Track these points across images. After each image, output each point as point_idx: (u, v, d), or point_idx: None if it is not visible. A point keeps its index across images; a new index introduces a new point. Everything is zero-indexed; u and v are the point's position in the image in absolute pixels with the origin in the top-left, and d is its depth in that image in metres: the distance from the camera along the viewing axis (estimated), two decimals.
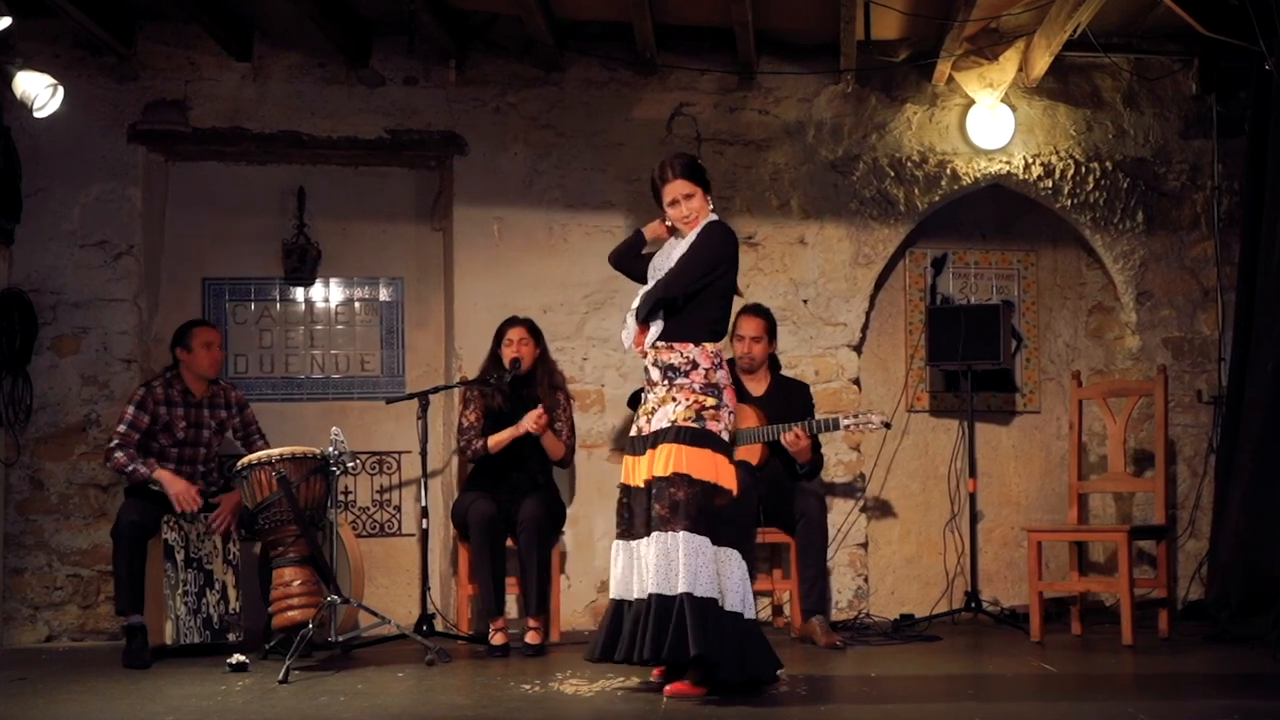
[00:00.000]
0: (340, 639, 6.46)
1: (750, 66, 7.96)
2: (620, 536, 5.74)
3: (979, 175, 8.13)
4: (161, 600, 6.76)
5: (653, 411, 5.68)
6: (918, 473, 8.26)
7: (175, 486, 6.81)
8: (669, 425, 5.57)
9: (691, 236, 5.75)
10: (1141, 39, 8.11)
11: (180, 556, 6.83)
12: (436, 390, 7.48)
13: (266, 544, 6.72)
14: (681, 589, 5.39)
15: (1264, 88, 7.16)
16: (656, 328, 5.68)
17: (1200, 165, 8.20)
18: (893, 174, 8.10)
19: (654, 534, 5.48)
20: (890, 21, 7.72)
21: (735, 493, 5.62)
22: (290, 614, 6.41)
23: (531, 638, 6.87)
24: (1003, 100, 8.02)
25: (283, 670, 5.99)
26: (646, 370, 5.76)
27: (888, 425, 7.28)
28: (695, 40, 7.99)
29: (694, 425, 5.55)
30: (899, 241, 8.15)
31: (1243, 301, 7.40)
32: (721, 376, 5.67)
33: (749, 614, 5.56)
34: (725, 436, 5.63)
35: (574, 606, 7.81)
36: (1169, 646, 6.93)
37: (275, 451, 6.59)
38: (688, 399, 5.60)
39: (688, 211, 5.77)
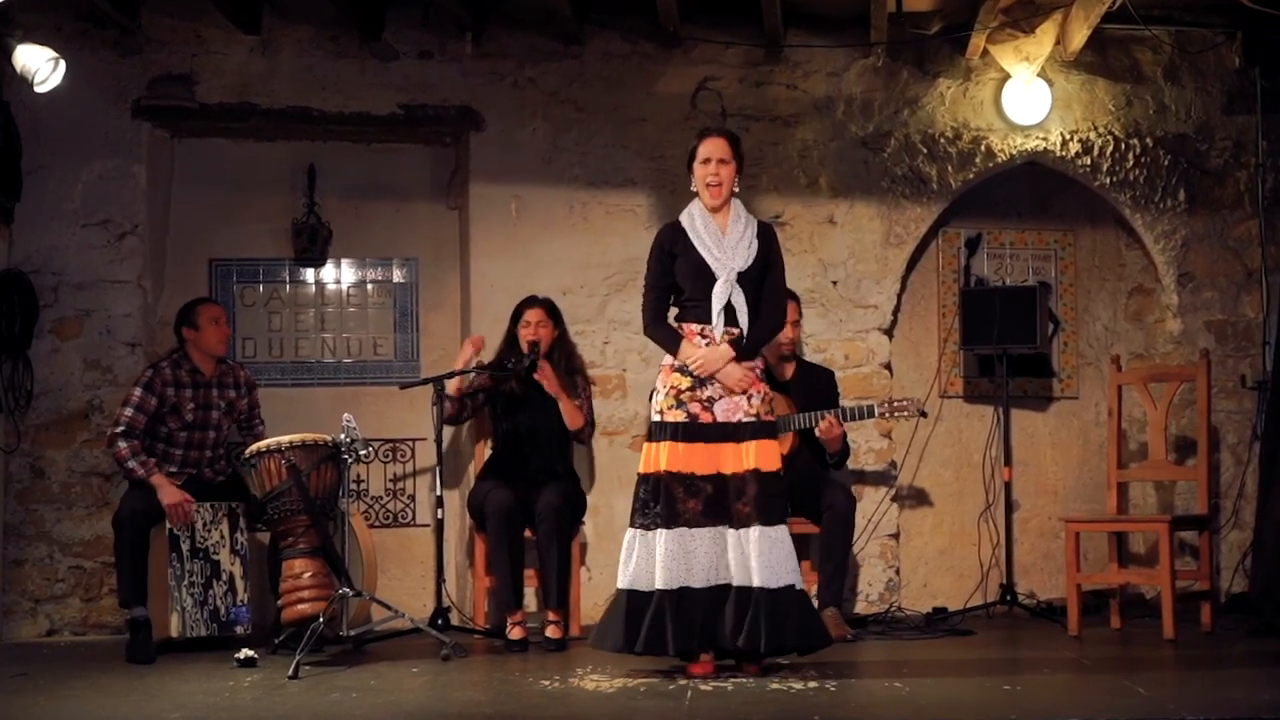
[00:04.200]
0: (352, 633, 6.40)
1: (777, 39, 7.84)
2: (661, 525, 5.69)
3: (1014, 152, 8.03)
4: (166, 592, 6.68)
5: (713, 399, 5.75)
6: (951, 461, 8.17)
7: (170, 498, 6.72)
8: (753, 419, 5.74)
9: (744, 223, 5.87)
10: (1183, 10, 8.00)
11: (186, 547, 6.75)
12: (452, 375, 7.33)
13: (276, 534, 6.62)
14: (787, 581, 5.68)
15: None
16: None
17: (1244, 141, 8.07)
18: (925, 151, 8.00)
19: (760, 528, 5.66)
20: None
21: None
22: (300, 607, 6.31)
23: (552, 632, 6.76)
24: (1039, 74, 7.89)
25: (293, 665, 5.90)
26: None
27: (924, 414, 7.20)
28: (720, 12, 7.89)
29: (770, 419, 5.82)
30: (931, 221, 8.05)
31: None
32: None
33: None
34: None
35: (595, 599, 7.66)
36: (1211, 640, 6.85)
37: (285, 439, 6.50)
38: (758, 390, 5.79)
39: (718, 176, 5.83)
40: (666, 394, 5.76)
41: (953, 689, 5.53)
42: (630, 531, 5.77)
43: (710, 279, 5.77)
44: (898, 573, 7.93)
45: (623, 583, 5.74)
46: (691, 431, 5.71)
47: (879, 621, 7.42)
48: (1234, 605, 7.61)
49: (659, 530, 5.67)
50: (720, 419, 5.71)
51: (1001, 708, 5.03)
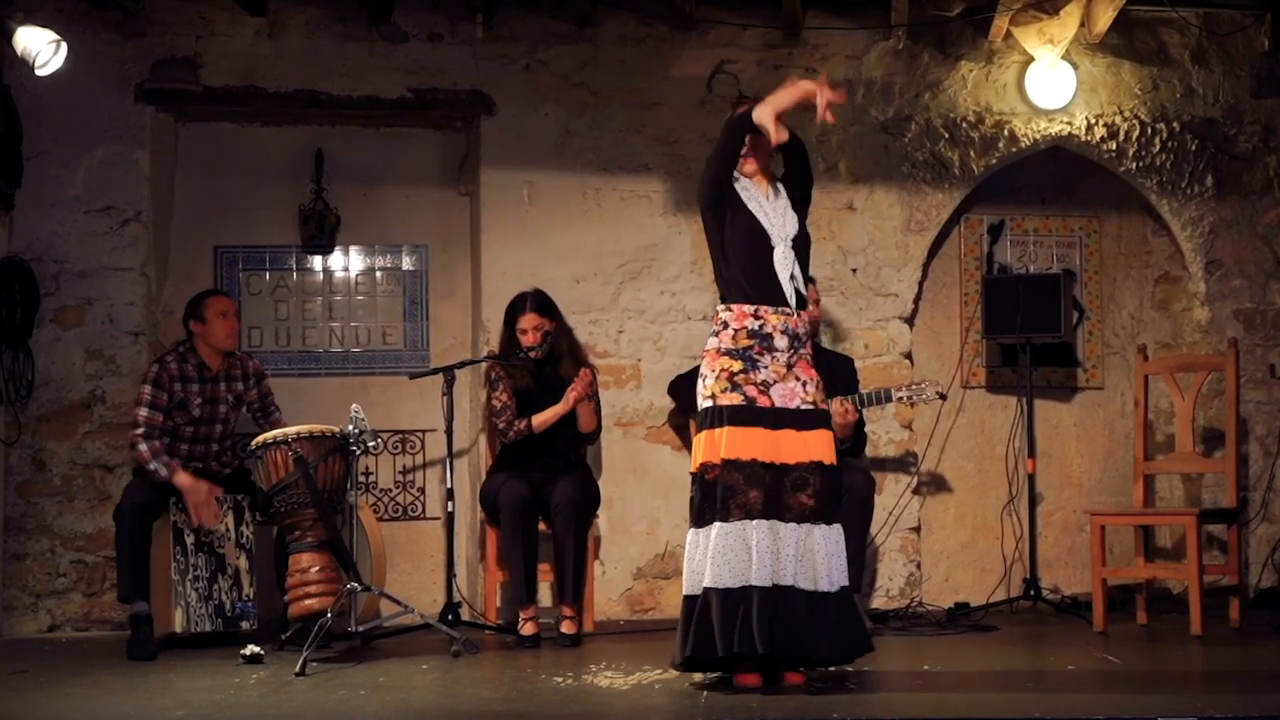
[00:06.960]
0: (361, 629, 6.33)
1: (796, 22, 7.76)
2: (717, 519, 5.31)
3: (1038, 137, 7.96)
4: (170, 586, 6.60)
5: (768, 384, 5.38)
6: (973, 452, 8.10)
7: (195, 496, 6.62)
8: (811, 407, 5.42)
9: (781, 191, 5.58)
10: None
11: (190, 540, 6.66)
12: (463, 365, 7.27)
13: (282, 528, 6.54)
14: (843, 582, 5.39)
15: None
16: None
17: (1273, 126, 8.02)
18: (947, 135, 7.92)
19: (824, 527, 5.36)
20: None
21: None
22: (308, 602, 6.25)
23: (567, 627, 6.67)
24: (1064, 57, 7.83)
25: (300, 662, 5.84)
26: (768, 337, 5.41)
27: (943, 396, 7.13)
28: None
29: (825, 406, 5.53)
30: (953, 207, 7.98)
31: None
32: None
33: None
34: None
35: (609, 595, 7.62)
36: (1240, 637, 6.79)
37: (292, 430, 6.43)
38: (811, 376, 5.47)
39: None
40: (717, 378, 5.39)
41: (975, 686, 5.47)
42: (691, 533, 5.39)
43: (765, 245, 5.44)
44: (919, 567, 7.86)
45: (689, 588, 5.34)
46: (750, 415, 5.35)
47: (900, 617, 7.35)
48: (1263, 600, 7.56)
49: (714, 524, 5.27)
50: (778, 404, 5.38)
51: (1025, 705, 4.95)
